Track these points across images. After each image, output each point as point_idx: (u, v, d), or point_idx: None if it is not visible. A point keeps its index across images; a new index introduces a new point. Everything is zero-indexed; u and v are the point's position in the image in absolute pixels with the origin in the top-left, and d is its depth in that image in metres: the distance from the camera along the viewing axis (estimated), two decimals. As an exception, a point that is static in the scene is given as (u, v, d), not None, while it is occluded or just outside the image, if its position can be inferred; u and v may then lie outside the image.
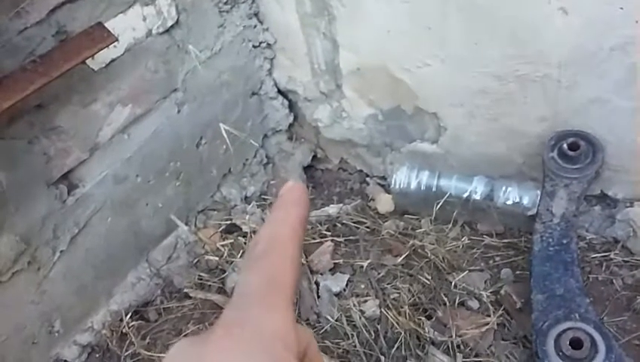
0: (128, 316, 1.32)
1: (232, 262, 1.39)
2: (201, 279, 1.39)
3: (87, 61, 1.03)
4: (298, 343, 0.31)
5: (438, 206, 1.34)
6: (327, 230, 1.46)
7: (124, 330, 1.30)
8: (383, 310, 1.24)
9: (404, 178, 1.40)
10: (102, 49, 1.00)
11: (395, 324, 1.20)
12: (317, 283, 1.33)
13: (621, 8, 1.00)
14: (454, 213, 1.36)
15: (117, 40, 1.03)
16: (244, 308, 0.31)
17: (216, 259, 1.40)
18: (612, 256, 1.27)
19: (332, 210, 1.53)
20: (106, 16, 1.08)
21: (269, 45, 1.48)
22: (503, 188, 1.30)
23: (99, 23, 1.02)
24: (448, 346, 1.17)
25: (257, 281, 0.32)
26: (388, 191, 1.54)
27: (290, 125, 1.64)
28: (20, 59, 0.96)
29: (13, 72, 0.92)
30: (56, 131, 1.08)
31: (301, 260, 0.35)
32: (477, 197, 1.32)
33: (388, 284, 1.30)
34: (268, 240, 0.34)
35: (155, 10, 1.18)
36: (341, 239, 1.43)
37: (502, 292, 1.24)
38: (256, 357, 0.29)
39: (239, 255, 1.39)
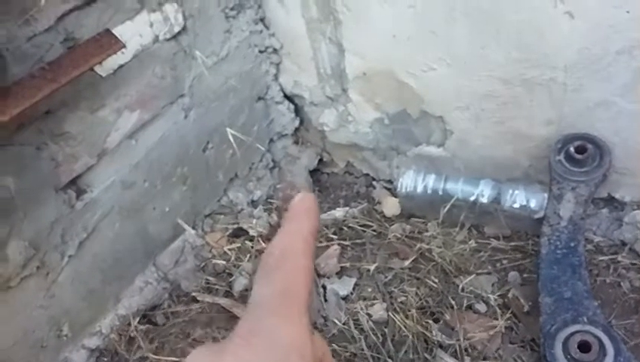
0: (136, 320, 1.32)
1: (239, 266, 1.39)
2: (208, 283, 1.40)
3: (95, 67, 1.03)
4: (314, 354, 0.32)
5: (445, 209, 1.35)
6: (334, 233, 1.47)
7: (132, 334, 1.31)
8: (390, 313, 1.24)
9: (411, 181, 1.41)
10: (110, 55, 1.01)
11: (403, 328, 1.21)
12: (324, 287, 1.33)
13: (627, 12, 1.00)
14: (461, 217, 1.36)
15: (125, 46, 1.03)
16: (260, 319, 0.31)
17: (224, 262, 1.41)
18: (619, 258, 1.27)
19: (338, 213, 1.53)
20: (113, 22, 1.08)
21: (275, 50, 1.48)
22: (510, 191, 1.30)
23: (107, 30, 1.03)
24: (456, 349, 1.17)
25: (271, 292, 0.33)
26: (394, 195, 1.54)
27: (296, 129, 1.64)
28: (28, 66, 0.97)
29: (22, 79, 0.92)
30: (64, 137, 1.09)
31: (314, 271, 0.35)
32: (484, 200, 1.32)
33: (395, 288, 1.30)
34: (280, 252, 0.34)
35: (162, 16, 1.18)
36: (348, 242, 1.44)
37: (509, 295, 1.24)
38: None
39: (246, 259, 1.40)
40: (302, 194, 0.37)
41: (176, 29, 1.22)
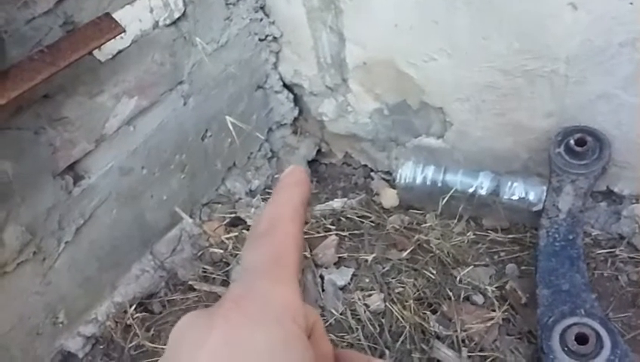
0: (132, 308, 1.32)
1: (236, 255, 1.39)
2: (205, 271, 1.39)
3: (94, 52, 1.02)
4: (306, 318, 0.31)
5: (444, 201, 1.34)
6: (332, 224, 1.46)
7: (128, 322, 1.30)
8: (387, 304, 1.24)
9: (410, 173, 1.40)
10: (109, 40, 1.00)
11: (400, 318, 1.21)
12: (322, 277, 1.33)
13: (630, 3, 1.00)
14: (460, 208, 1.36)
15: (124, 31, 1.02)
16: (251, 282, 0.31)
17: (221, 251, 1.41)
18: (617, 252, 1.27)
19: (336, 204, 1.53)
20: (113, 7, 1.07)
21: (275, 39, 1.48)
22: (509, 183, 1.29)
23: (106, 14, 1.02)
24: (453, 340, 1.17)
25: (262, 258, 0.32)
26: (392, 186, 1.54)
27: (295, 119, 1.63)
28: (27, 49, 0.96)
29: (21, 62, 0.91)
30: (62, 122, 1.08)
31: (303, 240, 0.35)
32: (483, 192, 1.32)
33: (393, 278, 1.30)
34: (270, 220, 0.34)
35: (162, 1, 1.17)
36: (346, 233, 1.43)
37: (507, 287, 1.24)
38: (267, 328, 0.29)
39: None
40: (292, 167, 0.37)
41: (176, 15, 1.21)
